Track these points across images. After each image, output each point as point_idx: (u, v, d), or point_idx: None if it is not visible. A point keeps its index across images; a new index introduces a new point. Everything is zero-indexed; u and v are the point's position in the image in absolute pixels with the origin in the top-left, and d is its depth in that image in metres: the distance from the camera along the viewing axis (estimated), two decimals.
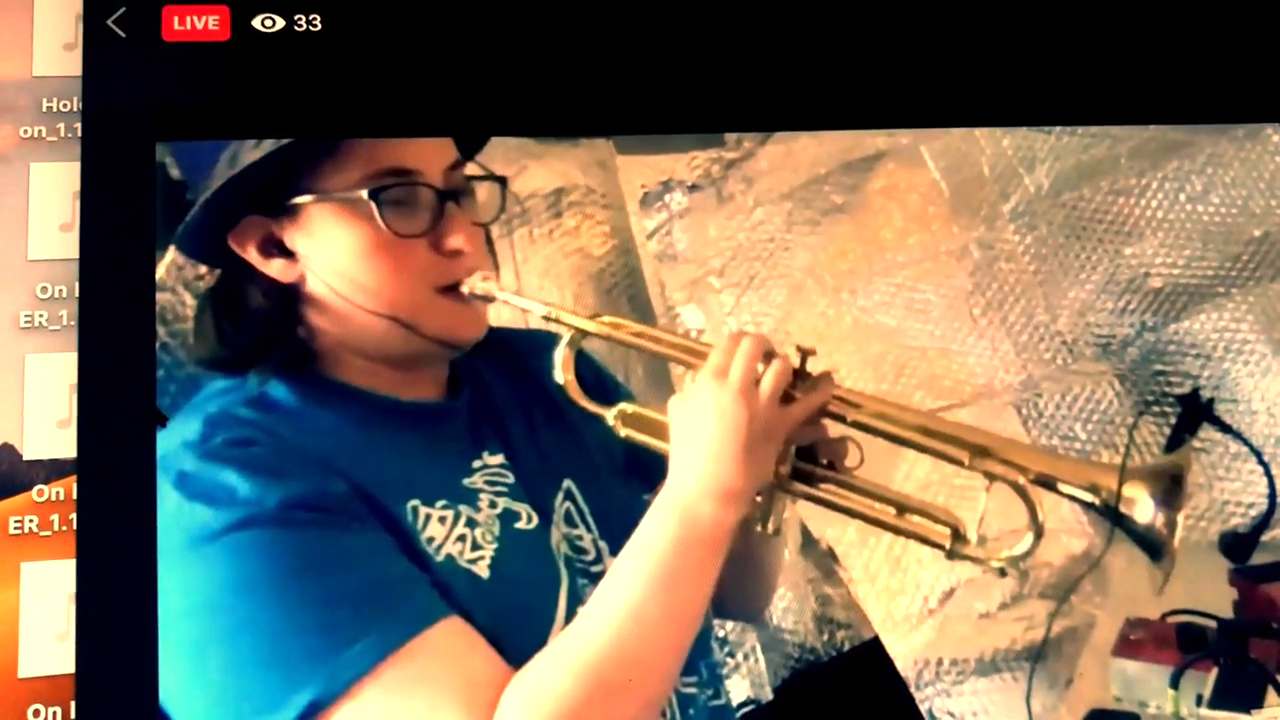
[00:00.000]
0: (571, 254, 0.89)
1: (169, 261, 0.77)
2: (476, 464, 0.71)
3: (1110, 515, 0.71)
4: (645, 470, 0.68)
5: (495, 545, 0.68)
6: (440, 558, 0.67)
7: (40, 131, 0.75)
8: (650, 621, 0.63)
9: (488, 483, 0.71)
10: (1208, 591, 0.84)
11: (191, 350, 0.72)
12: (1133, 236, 0.94)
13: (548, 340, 0.74)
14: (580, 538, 0.73)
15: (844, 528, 0.88)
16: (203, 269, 0.75)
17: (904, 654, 0.87)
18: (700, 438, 0.66)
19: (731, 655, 0.86)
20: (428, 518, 0.67)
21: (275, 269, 0.70)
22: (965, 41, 0.84)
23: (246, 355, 0.70)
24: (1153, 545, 0.71)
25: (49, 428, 0.71)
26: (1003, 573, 0.71)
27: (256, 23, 0.77)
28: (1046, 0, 0.86)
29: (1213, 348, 0.93)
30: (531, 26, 0.80)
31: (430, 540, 0.67)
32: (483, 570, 0.67)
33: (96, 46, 0.75)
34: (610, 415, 0.73)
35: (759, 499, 0.69)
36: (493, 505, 0.70)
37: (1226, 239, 0.94)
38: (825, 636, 0.88)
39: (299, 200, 0.69)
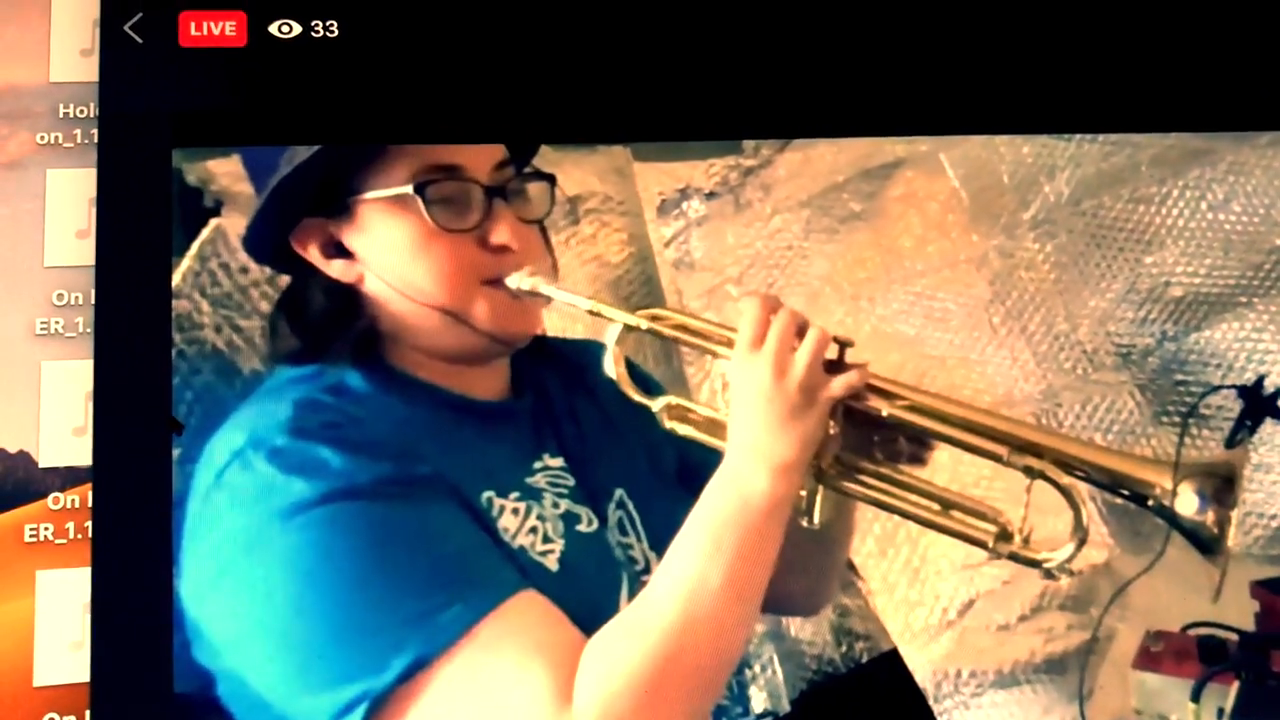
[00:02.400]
0: (589, 261, 0.89)
1: (185, 268, 0.77)
2: (538, 465, 0.74)
3: (1163, 514, 0.69)
4: (695, 480, 0.69)
5: (563, 542, 0.71)
6: (514, 547, 0.69)
7: (57, 137, 0.75)
8: (713, 591, 0.65)
9: (549, 483, 0.73)
10: (1229, 604, 0.83)
11: (264, 346, 0.75)
12: (1153, 245, 0.93)
13: (600, 350, 0.75)
14: (631, 546, 0.75)
15: (862, 539, 0.87)
16: (221, 277, 0.76)
17: (922, 666, 0.86)
18: (745, 410, 0.68)
19: (749, 666, 0.85)
20: (502, 508, 0.70)
21: (336, 269, 0.72)
22: (984, 48, 0.84)
23: (316, 350, 0.72)
24: (1204, 543, 0.70)
25: (65, 435, 0.71)
26: (1049, 575, 0.70)
27: (274, 29, 0.77)
28: (1067, 7, 0.85)
29: (1234, 357, 0.92)
30: (548, 34, 0.80)
31: (505, 530, 0.70)
32: (552, 564, 0.70)
33: (113, 52, 0.75)
34: (657, 407, 0.74)
35: (802, 493, 0.70)
36: (555, 505, 0.72)
37: (1248, 247, 0.93)
38: (843, 648, 0.88)
39: (352, 199, 0.72)
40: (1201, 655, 0.82)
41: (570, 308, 0.74)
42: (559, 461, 0.74)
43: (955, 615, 0.87)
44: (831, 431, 0.69)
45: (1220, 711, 0.79)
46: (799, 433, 0.67)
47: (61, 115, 0.75)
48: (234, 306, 0.77)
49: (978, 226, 0.93)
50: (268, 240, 0.73)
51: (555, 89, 0.79)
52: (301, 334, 0.73)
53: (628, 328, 0.73)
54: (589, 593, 0.70)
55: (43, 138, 0.74)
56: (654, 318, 0.73)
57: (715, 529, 0.66)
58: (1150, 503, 0.70)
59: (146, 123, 0.74)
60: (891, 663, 0.87)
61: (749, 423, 0.68)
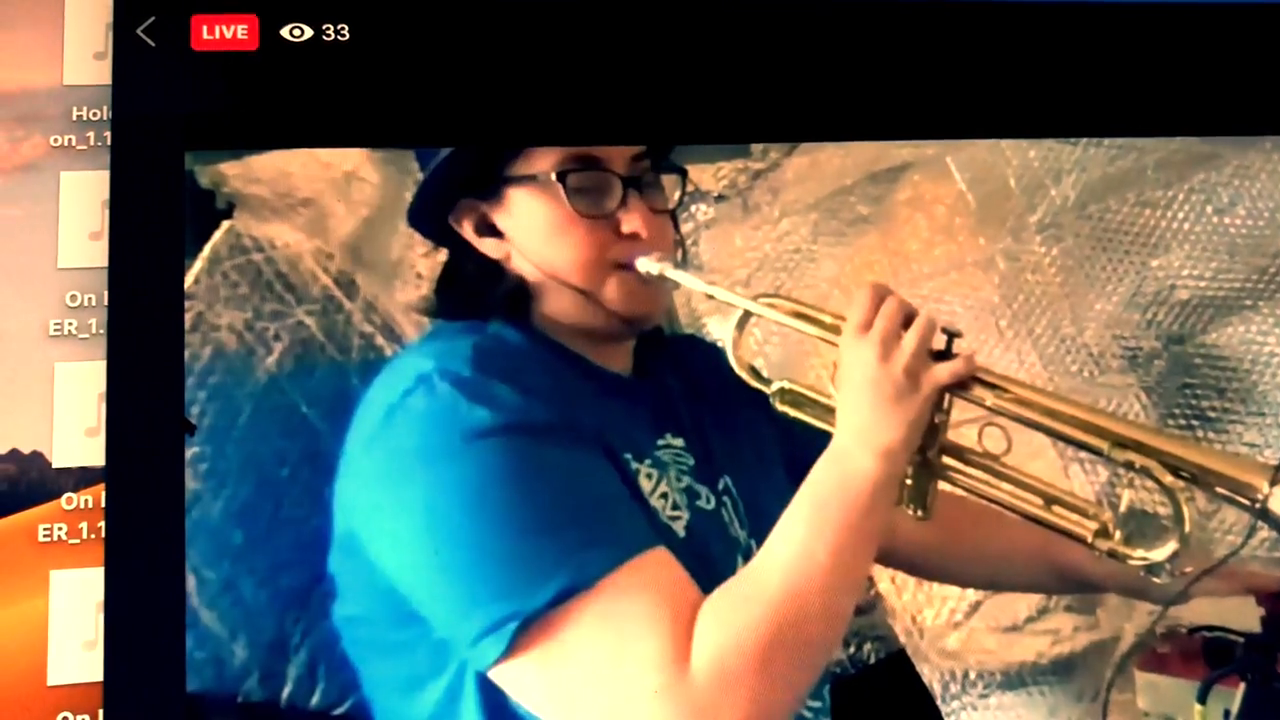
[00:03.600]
0: None
1: (197, 270, 0.77)
2: (661, 442, 0.76)
3: (1258, 514, 0.69)
4: (801, 472, 0.71)
5: (688, 513, 0.74)
6: (652, 505, 0.73)
7: (70, 140, 0.75)
8: (819, 564, 0.67)
9: (673, 458, 0.76)
10: (1235, 606, 0.83)
11: (430, 304, 0.80)
12: (1159, 248, 0.94)
13: (705, 344, 0.83)
14: (739, 534, 0.77)
15: None
16: (234, 278, 0.77)
17: (930, 667, 0.86)
18: (851, 393, 0.70)
19: None
20: (638, 471, 0.74)
21: (488, 246, 0.77)
22: (991, 53, 0.84)
23: (472, 310, 0.77)
24: None
25: (78, 436, 0.71)
26: (1151, 571, 0.71)
27: (285, 32, 0.77)
28: (1073, 12, 0.85)
29: (1239, 360, 0.92)
30: (556, 38, 0.80)
31: (642, 489, 0.73)
32: (680, 530, 0.73)
33: (126, 56, 0.75)
34: (771, 390, 0.77)
35: (909, 482, 0.72)
36: (679, 479, 0.75)
37: (1254, 251, 0.93)
38: (852, 649, 0.88)
39: (502, 184, 0.76)
40: (1207, 657, 0.82)
41: (700, 293, 0.78)
42: (680, 442, 0.77)
43: (963, 616, 0.87)
44: (938, 420, 0.71)
45: (1226, 713, 0.79)
46: (903, 416, 0.69)
47: (75, 118, 0.75)
48: (246, 307, 0.78)
49: (984, 230, 0.93)
50: (429, 217, 0.78)
51: (563, 93, 0.79)
52: (458, 300, 0.78)
53: (746, 313, 0.76)
54: (710, 564, 0.72)
55: (56, 140, 0.75)
56: (771, 304, 0.76)
57: (820, 506, 0.68)
58: (1256, 505, 0.69)
59: (159, 125, 0.74)
60: (899, 664, 0.87)
61: (855, 405, 0.70)
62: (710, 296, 0.77)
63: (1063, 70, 0.85)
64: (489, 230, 0.77)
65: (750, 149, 0.91)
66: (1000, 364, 0.91)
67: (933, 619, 0.87)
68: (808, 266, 0.92)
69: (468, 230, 0.77)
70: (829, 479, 0.69)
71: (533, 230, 0.76)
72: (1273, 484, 0.69)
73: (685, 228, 0.91)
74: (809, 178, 0.92)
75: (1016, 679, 0.87)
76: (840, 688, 0.85)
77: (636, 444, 0.74)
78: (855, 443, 0.69)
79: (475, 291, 0.77)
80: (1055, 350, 0.92)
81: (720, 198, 0.92)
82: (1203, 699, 0.79)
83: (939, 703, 0.86)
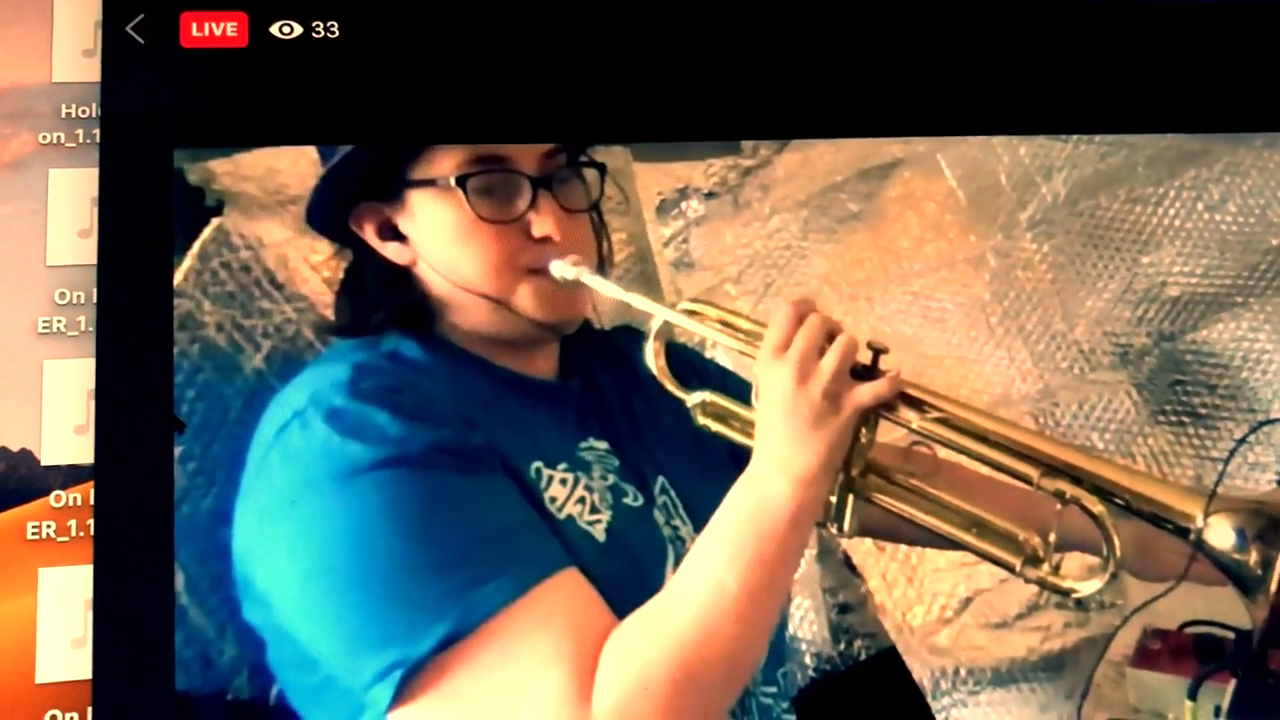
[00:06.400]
0: None
1: (187, 268, 0.77)
2: (584, 445, 0.74)
3: (1202, 549, 0.67)
4: (747, 460, 0.68)
5: (610, 513, 0.71)
6: (561, 516, 0.70)
7: (59, 137, 0.75)
8: (730, 597, 0.64)
9: (597, 459, 0.73)
10: (1225, 602, 0.83)
11: (324, 320, 0.77)
12: (1150, 245, 0.94)
13: (644, 338, 0.76)
14: (679, 527, 0.74)
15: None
16: (222, 276, 0.77)
17: (921, 663, 0.87)
18: (768, 416, 0.67)
19: None
20: (550, 479, 0.70)
21: (391, 251, 0.74)
22: (982, 49, 0.84)
23: (373, 324, 0.73)
24: (1245, 583, 0.67)
25: (67, 433, 0.71)
26: (1080, 605, 0.69)
27: (275, 30, 0.77)
28: (1063, 8, 0.85)
29: (1230, 357, 0.92)
30: (547, 34, 0.80)
31: (553, 500, 0.70)
32: (599, 533, 0.70)
33: (115, 53, 0.75)
34: (692, 402, 0.74)
35: (831, 499, 0.70)
36: (604, 478, 0.72)
37: (1244, 248, 0.93)
38: (842, 645, 0.88)
39: (404, 186, 0.73)
40: (1198, 653, 0.82)
41: (610, 298, 0.75)
42: (604, 445, 0.74)
43: (953, 613, 0.87)
44: (863, 439, 0.69)
45: (1217, 709, 0.79)
46: (822, 442, 0.66)
47: (64, 115, 0.75)
48: (235, 305, 0.78)
49: (975, 227, 0.93)
50: (327, 218, 0.75)
51: (554, 89, 0.79)
52: (356, 309, 0.74)
53: (668, 321, 0.73)
54: (635, 563, 0.70)
55: (45, 137, 0.75)
56: (692, 312, 0.73)
57: (734, 536, 0.65)
58: (1191, 536, 0.67)
59: (148, 123, 0.74)
60: (890, 660, 0.87)
61: (772, 430, 0.67)
62: (631, 305, 0.74)
63: (1054, 67, 0.85)
64: (393, 234, 0.73)
65: (741, 146, 0.91)
66: (991, 360, 0.92)
67: (923, 616, 0.87)
68: (798, 263, 0.92)
69: (370, 234, 0.74)
70: (744, 507, 0.66)
71: (436, 237, 0.72)
72: (1208, 514, 0.66)
73: (676, 225, 0.91)
74: (799, 174, 0.92)
75: (1007, 675, 0.87)
76: (830, 685, 0.86)
77: (553, 450, 0.71)
78: (772, 469, 0.66)
79: (374, 301, 0.73)
80: (1046, 347, 0.92)
81: (711, 194, 0.91)
82: (1193, 695, 0.79)
83: (929, 699, 0.86)
